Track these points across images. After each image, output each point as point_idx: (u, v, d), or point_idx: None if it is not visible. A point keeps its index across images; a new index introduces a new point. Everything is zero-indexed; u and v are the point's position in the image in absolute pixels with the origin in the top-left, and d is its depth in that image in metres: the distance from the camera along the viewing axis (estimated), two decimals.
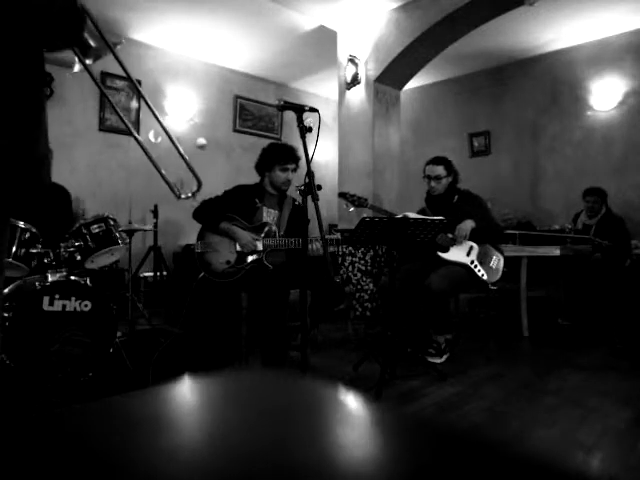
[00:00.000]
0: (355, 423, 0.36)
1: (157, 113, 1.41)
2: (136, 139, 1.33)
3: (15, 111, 0.90)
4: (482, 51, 5.89)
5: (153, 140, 3.80)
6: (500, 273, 3.28)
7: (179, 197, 1.35)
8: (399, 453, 0.31)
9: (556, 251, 3.88)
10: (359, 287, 4.45)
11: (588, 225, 4.78)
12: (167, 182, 1.34)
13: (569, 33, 5.45)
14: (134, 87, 5.24)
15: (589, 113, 5.66)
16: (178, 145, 1.39)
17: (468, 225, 3.17)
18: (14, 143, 0.90)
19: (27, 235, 2.56)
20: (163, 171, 1.32)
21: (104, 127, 5.32)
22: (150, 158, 1.30)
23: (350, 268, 4.47)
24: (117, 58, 1.21)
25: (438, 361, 3.11)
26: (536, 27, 5.30)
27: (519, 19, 4.97)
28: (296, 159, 2.94)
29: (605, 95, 5.53)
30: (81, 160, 5.16)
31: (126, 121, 1.37)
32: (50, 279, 2.58)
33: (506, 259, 3.36)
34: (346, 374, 2.89)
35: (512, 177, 6.28)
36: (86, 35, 1.07)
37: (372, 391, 2.46)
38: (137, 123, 5.36)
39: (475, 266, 3.19)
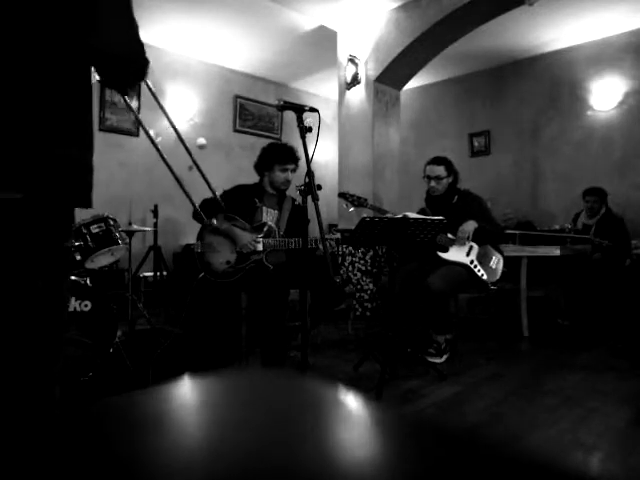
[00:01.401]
0: (355, 423, 0.36)
1: (169, 117, 1.42)
2: (153, 142, 1.34)
3: (82, 130, 1.05)
4: (482, 51, 5.89)
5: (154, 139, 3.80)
6: (500, 273, 3.27)
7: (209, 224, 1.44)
8: (400, 453, 0.31)
9: (556, 251, 3.88)
10: (359, 287, 4.45)
11: (588, 225, 4.78)
12: (193, 204, 1.38)
13: (569, 33, 5.45)
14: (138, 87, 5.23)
15: (589, 113, 5.67)
16: (191, 154, 1.40)
17: (470, 226, 3.17)
18: (83, 154, 1.04)
19: None
20: (187, 190, 1.36)
21: (104, 127, 5.32)
22: (173, 174, 1.31)
23: (350, 268, 4.47)
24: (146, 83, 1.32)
25: (438, 361, 3.11)
26: (536, 27, 5.30)
27: (519, 19, 4.97)
28: (295, 159, 2.94)
29: (605, 95, 5.53)
30: None
31: (143, 125, 1.38)
32: None
33: (506, 259, 3.36)
34: (346, 374, 2.89)
35: (512, 177, 6.28)
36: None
37: (372, 391, 2.46)
38: (137, 123, 5.36)
39: (475, 266, 3.19)
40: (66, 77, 0.97)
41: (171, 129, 1.45)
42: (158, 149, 1.33)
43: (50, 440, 0.33)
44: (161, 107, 1.43)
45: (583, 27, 5.31)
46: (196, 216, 2.90)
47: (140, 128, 5.37)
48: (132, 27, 1.01)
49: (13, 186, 0.90)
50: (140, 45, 1.04)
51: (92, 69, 1.07)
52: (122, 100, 1.27)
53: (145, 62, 1.09)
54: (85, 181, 1.03)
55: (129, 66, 1.03)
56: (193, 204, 1.41)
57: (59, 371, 1.04)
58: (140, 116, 5.53)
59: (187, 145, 1.42)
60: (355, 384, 2.70)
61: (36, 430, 0.36)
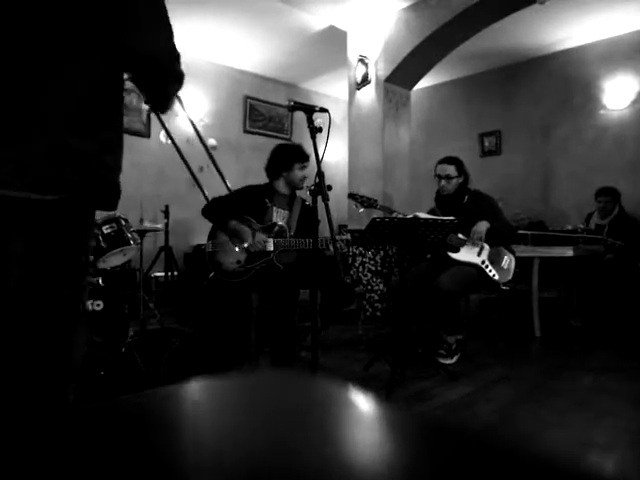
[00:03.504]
0: (367, 423, 0.37)
1: (167, 121, 1.43)
2: (172, 140, 1.36)
3: (115, 134, 1.06)
4: (493, 50, 5.86)
5: (164, 141, 3.83)
6: (512, 273, 3.25)
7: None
8: (411, 454, 0.31)
9: (569, 252, 3.84)
10: (369, 287, 4.45)
11: (601, 225, 4.73)
12: (206, 198, 1.41)
13: (580, 31, 5.40)
14: None
15: (602, 112, 5.61)
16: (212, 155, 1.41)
17: (483, 227, 3.14)
18: (117, 164, 1.07)
19: None
20: (207, 192, 1.38)
21: None
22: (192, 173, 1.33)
23: (360, 268, 4.46)
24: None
25: (449, 362, 3.09)
26: (547, 26, 5.26)
27: (530, 18, 4.94)
28: (308, 156, 3.01)
29: (618, 94, 5.47)
30: None
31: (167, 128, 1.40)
32: None
33: (518, 260, 3.33)
34: (356, 374, 2.89)
35: (523, 177, 6.23)
36: None
37: (382, 392, 2.46)
38: (148, 125, 5.40)
39: (486, 266, 3.17)
40: (101, 80, 0.98)
41: (182, 130, 1.46)
42: (178, 149, 1.35)
43: (60, 439, 0.33)
44: (190, 121, 1.46)
45: (595, 25, 5.25)
46: (205, 213, 2.91)
47: (151, 129, 5.40)
48: (169, 33, 1.04)
49: (49, 188, 0.92)
50: (175, 51, 1.07)
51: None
52: (145, 107, 1.30)
53: (181, 72, 1.11)
54: (114, 184, 1.05)
55: (165, 72, 1.06)
56: (207, 198, 1.43)
57: (75, 371, 1.05)
58: (152, 117, 5.55)
59: (200, 146, 1.43)
60: (365, 384, 2.69)
61: (46, 429, 0.36)
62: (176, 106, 1.17)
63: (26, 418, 0.90)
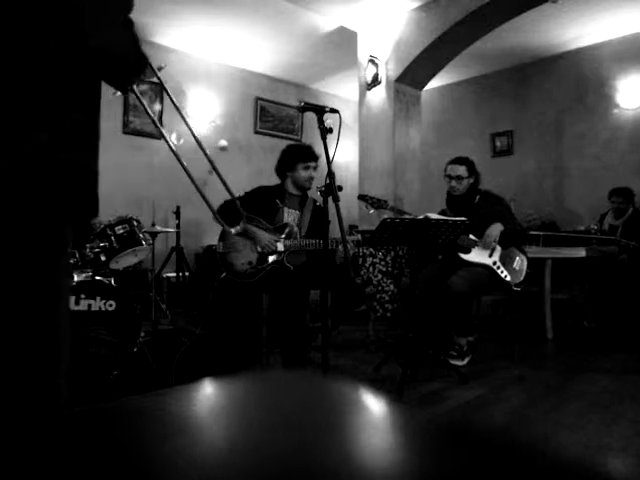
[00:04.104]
0: (379, 424, 0.36)
1: (187, 121, 1.43)
2: (173, 152, 1.36)
3: (80, 134, 0.99)
4: (504, 49, 5.82)
5: (176, 142, 3.85)
6: (524, 274, 3.22)
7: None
8: (425, 455, 0.31)
9: (582, 252, 3.80)
10: (380, 288, 4.44)
11: (614, 226, 4.68)
12: (212, 211, 1.40)
13: (594, 30, 5.35)
14: (161, 92, 5.32)
15: (615, 111, 5.55)
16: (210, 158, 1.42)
17: (496, 229, 3.11)
18: (85, 160, 0.99)
19: None
20: (209, 200, 1.38)
21: (128, 130, 5.41)
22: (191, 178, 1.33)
23: (371, 269, 4.46)
24: (160, 81, 1.31)
25: (460, 363, 3.07)
26: (559, 24, 5.21)
27: (542, 16, 4.90)
28: (316, 157, 3.00)
29: (632, 92, 5.41)
30: (106, 162, 5.21)
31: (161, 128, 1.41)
32: (76, 279, 2.64)
33: (530, 260, 3.30)
34: (366, 375, 2.88)
35: (536, 177, 6.18)
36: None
37: (393, 393, 2.45)
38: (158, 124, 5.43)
39: (498, 267, 3.15)
40: (45, 70, 0.95)
41: (193, 131, 1.47)
42: (175, 153, 1.35)
43: (67, 439, 0.34)
44: (180, 113, 1.45)
45: (608, 24, 5.20)
46: (218, 218, 2.91)
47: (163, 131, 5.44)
48: (120, 21, 0.99)
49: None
50: (133, 39, 1.01)
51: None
52: (140, 103, 1.27)
53: (142, 57, 1.07)
54: (91, 188, 1.00)
55: (126, 62, 1.02)
56: (212, 211, 1.43)
57: (64, 371, 1.03)
58: (163, 118, 5.59)
59: (207, 151, 1.43)
60: (375, 386, 2.69)
61: (44, 429, 0.36)
62: (188, 107, 1.15)
63: (8, 419, 0.90)
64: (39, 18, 0.91)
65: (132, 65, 1.05)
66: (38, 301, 0.95)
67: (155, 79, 1.41)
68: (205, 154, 1.43)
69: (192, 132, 1.45)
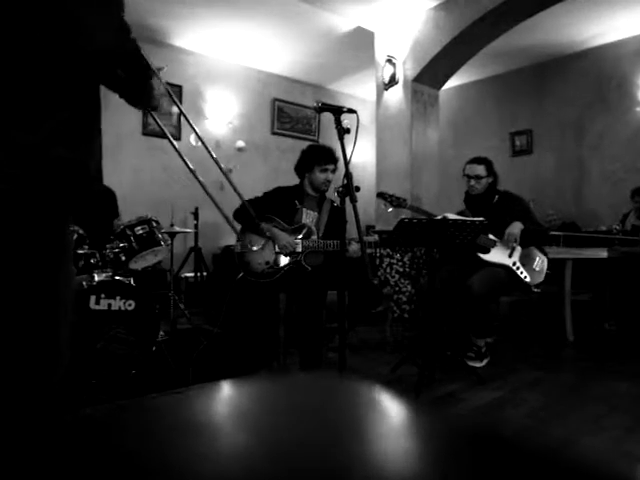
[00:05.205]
0: (397, 424, 0.37)
1: (193, 123, 1.45)
2: (182, 158, 1.38)
3: (77, 131, 1.00)
4: (523, 48, 5.75)
5: (194, 144, 3.88)
6: (544, 275, 3.18)
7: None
8: (442, 455, 0.31)
9: (603, 253, 3.73)
10: (397, 289, 4.42)
11: (637, 226, 4.59)
12: (225, 217, 1.42)
13: (615, 27, 5.25)
14: (179, 94, 5.37)
15: (637, 109, 5.44)
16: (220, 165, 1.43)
17: (517, 228, 3.07)
18: (76, 157, 0.99)
19: (75, 237, 2.66)
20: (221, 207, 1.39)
21: (147, 131, 5.47)
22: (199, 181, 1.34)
23: (388, 270, 4.44)
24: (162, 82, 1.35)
25: (478, 365, 3.05)
26: (579, 22, 5.13)
27: (561, 14, 4.82)
28: (335, 160, 2.96)
29: None
30: (125, 163, 5.32)
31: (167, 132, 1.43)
32: (96, 279, 2.68)
33: (550, 261, 3.26)
34: (383, 376, 2.88)
35: (556, 177, 6.09)
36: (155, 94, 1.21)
37: (410, 394, 2.44)
38: (179, 128, 5.49)
39: (517, 268, 3.11)
40: (41, 72, 0.94)
41: (211, 134, 1.48)
42: (186, 162, 1.37)
43: (90, 438, 0.34)
44: (187, 120, 1.48)
45: (630, 20, 5.10)
46: (237, 216, 2.93)
47: (181, 132, 5.49)
48: (115, 21, 0.97)
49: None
50: (128, 39, 1.01)
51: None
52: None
53: (139, 64, 1.07)
54: (70, 176, 0.98)
55: (125, 63, 1.02)
56: (226, 217, 1.45)
57: (64, 366, 1.04)
58: (182, 121, 5.64)
59: (229, 149, 1.45)
60: (392, 386, 2.68)
61: (70, 426, 0.37)
62: (206, 108, 1.16)
63: (8, 419, 0.90)
64: (29, 21, 0.91)
65: (131, 67, 1.05)
66: (34, 304, 0.95)
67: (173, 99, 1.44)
68: (212, 158, 1.45)
69: (199, 136, 1.47)
